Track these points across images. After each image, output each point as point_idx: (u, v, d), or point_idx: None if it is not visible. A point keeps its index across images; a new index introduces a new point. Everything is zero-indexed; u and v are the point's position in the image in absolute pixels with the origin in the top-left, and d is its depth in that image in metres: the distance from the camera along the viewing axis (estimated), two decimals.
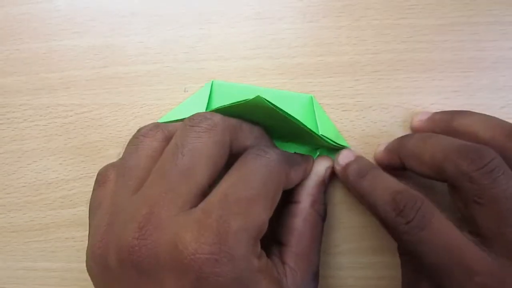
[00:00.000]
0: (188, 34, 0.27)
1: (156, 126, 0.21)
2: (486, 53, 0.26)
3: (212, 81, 0.26)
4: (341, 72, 0.26)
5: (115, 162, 0.23)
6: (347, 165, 0.24)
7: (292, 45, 0.27)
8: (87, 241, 0.26)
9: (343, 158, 0.24)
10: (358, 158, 0.24)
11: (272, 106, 0.21)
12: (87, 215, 0.26)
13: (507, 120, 0.22)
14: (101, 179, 0.22)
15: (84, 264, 0.26)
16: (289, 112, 0.21)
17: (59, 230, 0.27)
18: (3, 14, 0.27)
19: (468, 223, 0.20)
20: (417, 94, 0.26)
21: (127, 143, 0.21)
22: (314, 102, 0.26)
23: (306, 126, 0.23)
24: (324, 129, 0.24)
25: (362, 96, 0.26)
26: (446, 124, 0.23)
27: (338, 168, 0.24)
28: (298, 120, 0.22)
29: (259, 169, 0.19)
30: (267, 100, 0.20)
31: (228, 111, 0.22)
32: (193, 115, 0.21)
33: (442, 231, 0.19)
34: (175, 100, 0.27)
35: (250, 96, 0.20)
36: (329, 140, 0.24)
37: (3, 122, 0.27)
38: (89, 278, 0.26)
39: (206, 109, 0.26)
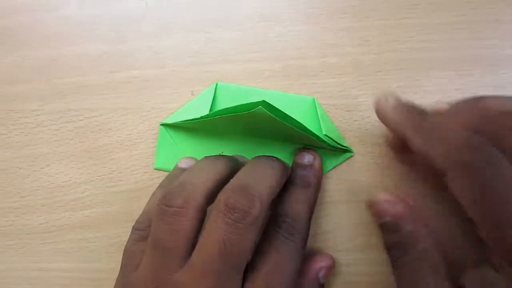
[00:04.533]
0: (194, 38, 0.28)
1: (186, 199, 0.20)
2: (489, 51, 0.27)
3: (216, 83, 0.27)
4: (345, 72, 0.27)
5: (142, 236, 0.22)
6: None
7: (296, 47, 0.27)
8: (99, 242, 0.27)
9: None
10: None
11: (274, 116, 0.21)
12: (99, 217, 0.27)
13: None
14: (132, 259, 0.21)
15: (97, 264, 0.27)
16: (291, 114, 0.22)
17: (73, 231, 0.28)
18: (15, 22, 0.28)
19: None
20: (420, 93, 0.26)
21: (155, 215, 0.20)
22: (317, 103, 0.26)
23: (308, 130, 0.23)
24: (326, 130, 0.25)
25: (366, 96, 0.27)
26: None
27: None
28: (300, 124, 0.22)
29: (291, 258, 0.21)
30: (268, 108, 0.21)
31: (230, 118, 0.23)
32: (230, 198, 0.19)
33: None
34: (182, 104, 0.27)
35: (254, 98, 0.21)
36: (331, 142, 0.25)
37: (17, 128, 0.28)
38: (102, 277, 0.27)
39: (210, 110, 0.26)
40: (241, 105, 0.21)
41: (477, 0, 0.27)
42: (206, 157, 0.23)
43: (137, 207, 0.27)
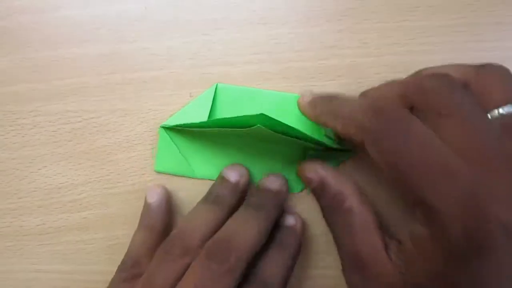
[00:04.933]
0: (193, 40, 0.27)
1: (185, 249, 0.22)
2: (489, 53, 0.26)
3: (216, 84, 0.27)
4: (344, 75, 0.27)
5: (128, 277, 0.24)
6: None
7: (295, 49, 0.27)
8: (96, 244, 0.27)
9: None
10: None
11: (273, 132, 0.21)
12: (96, 218, 0.27)
13: None
14: None
15: (95, 266, 0.27)
16: (290, 114, 0.22)
17: (70, 233, 0.27)
18: (14, 23, 0.28)
19: None
20: None
21: (155, 260, 0.22)
22: None
23: (308, 136, 0.23)
24: (326, 129, 0.25)
25: None
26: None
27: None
28: (300, 132, 0.22)
29: None
30: (267, 120, 0.21)
31: (229, 127, 0.23)
32: (210, 248, 0.21)
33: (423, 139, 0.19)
34: (181, 106, 0.27)
35: (253, 99, 0.21)
36: (332, 143, 0.25)
37: (14, 129, 0.28)
38: (100, 279, 0.27)
39: (210, 112, 0.26)
40: (240, 117, 0.21)
41: (477, 3, 0.27)
42: (203, 203, 0.24)
43: (135, 209, 0.27)
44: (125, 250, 0.25)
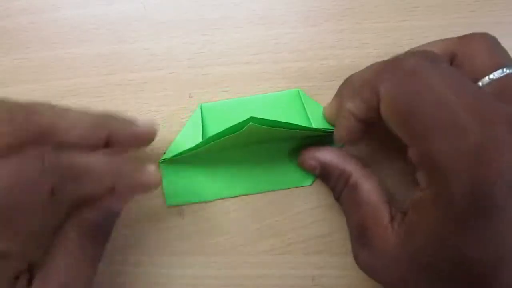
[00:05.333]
0: (192, 41, 0.27)
1: None
2: None
3: (200, 105, 0.27)
4: (344, 75, 0.26)
5: None
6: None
7: (294, 49, 0.27)
8: None
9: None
10: None
11: (266, 127, 0.21)
12: None
13: None
14: None
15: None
16: (278, 112, 0.23)
17: None
18: (12, 24, 0.28)
19: None
20: None
21: None
22: (302, 94, 0.26)
23: (300, 126, 0.23)
24: (316, 118, 0.25)
25: None
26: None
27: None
28: (291, 123, 0.22)
29: None
30: (257, 121, 0.21)
31: (225, 140, 0.23)
32: None
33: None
34: (180, 106, 0.27)
35: (240, 109, 0.22)
36: (326, 126, 0.25)
37: None
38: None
39: (202, 133, 0.26)
40: (231, 127, 0.22)
41: (477, 3, 0.27)
42: None
43: (133, 211, 0.27)
44: (124, 250, 0.25)
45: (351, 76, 0.23)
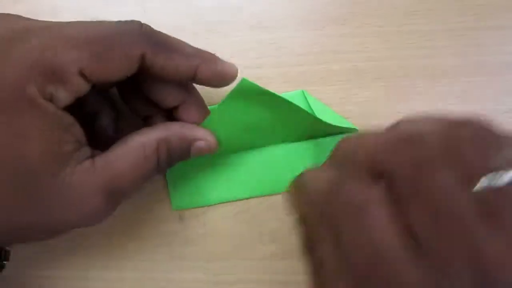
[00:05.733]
0: (192, 44, 0.27)
1: None
2: (489, 58, 0.26)
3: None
4: (345, 79, 0.27)
5: None
6: None
7: (295, 53, 0.27)
8: (93, 249, 0.27)
9: None
10: None
11: (260, 87, 0.21)
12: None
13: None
14: None
15: (92, 272, 0.27)
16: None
17: (67, 238, 0.27)
18: None
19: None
20: (422, 100, 0.26)
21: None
22: (307, 94, 0.26)
23: (299, 107, 0.23)
24: (324, 118, 0.25)
25: (367, 103, 0.26)
26: None
27: None
28: (291, 103, 0.22)
29: None
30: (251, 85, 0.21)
31: (219, 112, 0.23)
32: None
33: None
34: None
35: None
36: (335, 121, 0.25)
37: None
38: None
39: None
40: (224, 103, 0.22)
41: (478, 7, 0.27)
42: None
43: (133, 216, 0.26)
44: (123, 255, 0.25)
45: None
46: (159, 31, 0.22)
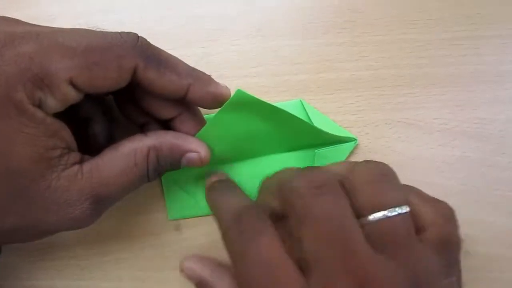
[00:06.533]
0: (190, 53, 0.27)
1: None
2: (488, 67, 0.26)
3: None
4: (343, 88, 0.26)
5: None
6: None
7: (293, 62, 0.27)
8: (90, 260, 0.27)
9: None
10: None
11: (255, 98, 0.21)
12: (90, 234, 0.27)
13: None
14: None
15: (89, 282, 0.26)
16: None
17: (64, 248, 0.27)
18: None
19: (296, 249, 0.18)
20: (420, 109, 0.26)
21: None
22: (305, 104, 0.26)
23: (296, 117, 0.23)
24: (323, 127, 0.24)
25: (365, 112, 0.26)
26: None
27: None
28: (288, 113, 0.22)
29: None
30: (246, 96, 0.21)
31: (215, 123, 0.22)
32: None
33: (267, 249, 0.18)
34: None
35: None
36: (334, 131, 0.24)
37: None
38: None
39: None
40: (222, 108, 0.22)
41: (477, 16, 0.27)
42: None
43: (129, 224, 0.26)
44: (119, 265, 0.25)
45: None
46: (156, 46, 0.21)
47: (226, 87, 0.23)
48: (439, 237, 0.18)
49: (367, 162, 0.19)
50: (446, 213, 0.19)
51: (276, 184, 0.19)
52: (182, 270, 0.23)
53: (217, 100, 0.22)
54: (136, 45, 0.20)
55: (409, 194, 0.19)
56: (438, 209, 0.19)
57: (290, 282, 0.17)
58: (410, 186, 0.20)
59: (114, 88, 0.20)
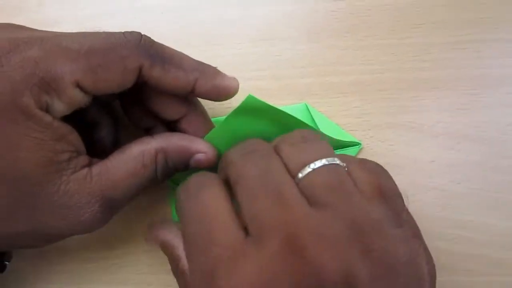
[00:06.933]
0: (194, 57, 0.27)
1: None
2: (491, 70, 0.26)
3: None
4: (347, 92, 0.27)
5: None
6: None
7: (297, 66, 0.27)
8: (97, 263, 0.27)
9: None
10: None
11: (266, 104, 0.21)
12: (97, 237, 0.27)
13: None
14: None
15: (96, 285, 0.27)
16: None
17: (71, 251, 0.27)
18: None
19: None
20: (423, 112, 0.26)
21: None
22: (310, 108, 0.26)
23: (303, 123, 0.23)
24: (328, 131, 0.25)
25: (369, 116, 0.26)
26: None
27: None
28: (296, 118, 0.22)
29: None
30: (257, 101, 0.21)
31: (224, 127, 0.22)
32: None
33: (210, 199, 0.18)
34: None
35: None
36: (339, 136, 0.25)
37: None
38: None
39: None
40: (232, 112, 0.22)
41: (481, 20, 0.27)
42: None
43: (136, 227, 0.26)
44: (125, 268, 0.25)
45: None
46: (159, 43, 0.21)
47: (234, 79, 0.23)
48: (373, 189, 0.18)
49: (290, 133, 0.20)
50: (373, 168, 0.19)
51: (221, 159, 0.21)
52: (146, 240, 0.23)
53: (225, 92, 0.22)
54: (139, 44, 0.20)
55: (336, 155, 0.19)
56: (365, 166, 0.19)
57: (226, 234, 0.17)
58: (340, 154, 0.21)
59: (121, 89, 0.20)
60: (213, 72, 0.22)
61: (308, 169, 0.18)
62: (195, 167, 0.23)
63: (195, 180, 0.19)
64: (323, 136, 0.20)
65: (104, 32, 0.20)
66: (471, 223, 0.25)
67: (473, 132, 0.26)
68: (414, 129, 0.26)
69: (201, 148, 0.23)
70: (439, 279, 0.25)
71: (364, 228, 0.16)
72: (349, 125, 0.26)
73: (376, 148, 0.26)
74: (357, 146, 0.26)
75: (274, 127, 0.23)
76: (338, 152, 0.26)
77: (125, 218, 0.27)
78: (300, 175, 0.18)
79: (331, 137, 0.24)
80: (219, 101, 0.23)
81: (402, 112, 0.26)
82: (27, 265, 0.27)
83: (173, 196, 0.26)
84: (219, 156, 0.23)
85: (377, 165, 0.19)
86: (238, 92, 0.27)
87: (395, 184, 0.19)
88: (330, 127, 0.26)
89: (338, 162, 0.18)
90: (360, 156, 0.26)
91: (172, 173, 0.23)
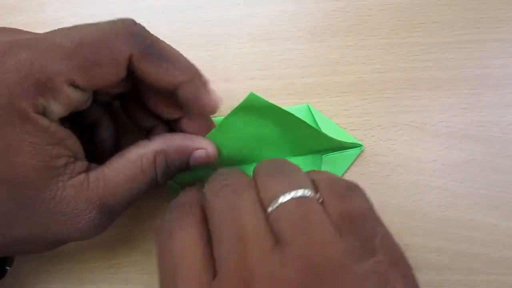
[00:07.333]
0: (196, 56, 0.27)
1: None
2: (493, 70, 0.26)
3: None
4: (349, 91, 0.27)
5: None
6: None
7: (299, 65, 0.27)
8: (99, 263, 0.27)
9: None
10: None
11: (267, 102, 0.21)
12: (99, 238, 0.27)
13: None
14: None
15: (97, 285, 0.27)
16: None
17: (73, 252, 0.27)
18: None
19: None
20: (425, 112, 0.26)
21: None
22: (312, 109, 0.26)
23: (305, 123, 0.23)
24: (330, 132, 0.24)
25: (370, 115, 0.26)
26: None
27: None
28: (297, 118, 0.22)
29: None
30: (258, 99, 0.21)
31: (225, 125, 0.22)
32: None
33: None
34: None
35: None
36: (340, 137, 0.24)
37: None
38: None
39: None
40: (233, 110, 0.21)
41: (482, 20, 0.27)
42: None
43: (136, 228, 0.26)
44: (126, 268, 0.25)
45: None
46: (152, 34, 0.21)
47: (216, 99, 0.22)
48: (342, 217, 0.17)
49: (262, 163, 0.20)
50: (344, 192, 0.18)
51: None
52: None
53: (200, 105, 0.21)
54: (131, 31, 0.20)
55: (307, 181, 0.18)
56: (337, 190, 0.18)
57: (190, 280, 0.16)
58: (317, 171, 0.20)
59: (114, 81, 0.20)
60: (202, 82, 0.22)
61: (276, 203, 0.17)
62: (196, 165, 0.23)
63: (170, 218, 0.19)
64: (292, 167, 0.20)
65: (96, 23, 0.20)
66: (473, 222, 0.25)
67: (474, 132, 0.26)
68: (416, 129, 0.26)
69: (201, 145, 0.22)
70: (440, 278, 0.25)
71: (323, 271, 0.15)
72: (351, 125, 0.26)
73: (377, 148, 0.26)
74: (359, 148, 0.26)
75: (275, 126, 0.23)
76: (340, 153, 0.26)
77: (125, 218, 0.27)
78: (270, 208, 0.17)
79: (332, 139, 0.24)
80: (193, 113, 0.22)
81: (404, 111, 0.26)
82: (27, 266, 0.27)
83: (174, 195, 0.26)
84: (220, 155, 0.23)
85: (349, 186, 0.18)
86: (239, 92, 0.27)
87: (369, 206, 0.18)
88: (332, 129, 0.26)
89: (308, 193, 0.17)
90: (362, 156, 0.26)
91: (173, 174, 0.22)
